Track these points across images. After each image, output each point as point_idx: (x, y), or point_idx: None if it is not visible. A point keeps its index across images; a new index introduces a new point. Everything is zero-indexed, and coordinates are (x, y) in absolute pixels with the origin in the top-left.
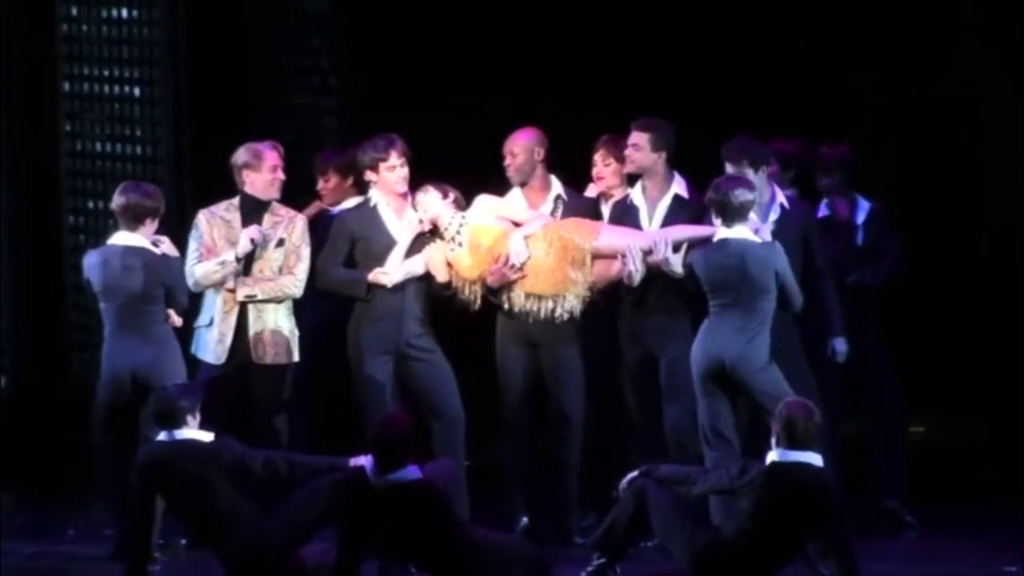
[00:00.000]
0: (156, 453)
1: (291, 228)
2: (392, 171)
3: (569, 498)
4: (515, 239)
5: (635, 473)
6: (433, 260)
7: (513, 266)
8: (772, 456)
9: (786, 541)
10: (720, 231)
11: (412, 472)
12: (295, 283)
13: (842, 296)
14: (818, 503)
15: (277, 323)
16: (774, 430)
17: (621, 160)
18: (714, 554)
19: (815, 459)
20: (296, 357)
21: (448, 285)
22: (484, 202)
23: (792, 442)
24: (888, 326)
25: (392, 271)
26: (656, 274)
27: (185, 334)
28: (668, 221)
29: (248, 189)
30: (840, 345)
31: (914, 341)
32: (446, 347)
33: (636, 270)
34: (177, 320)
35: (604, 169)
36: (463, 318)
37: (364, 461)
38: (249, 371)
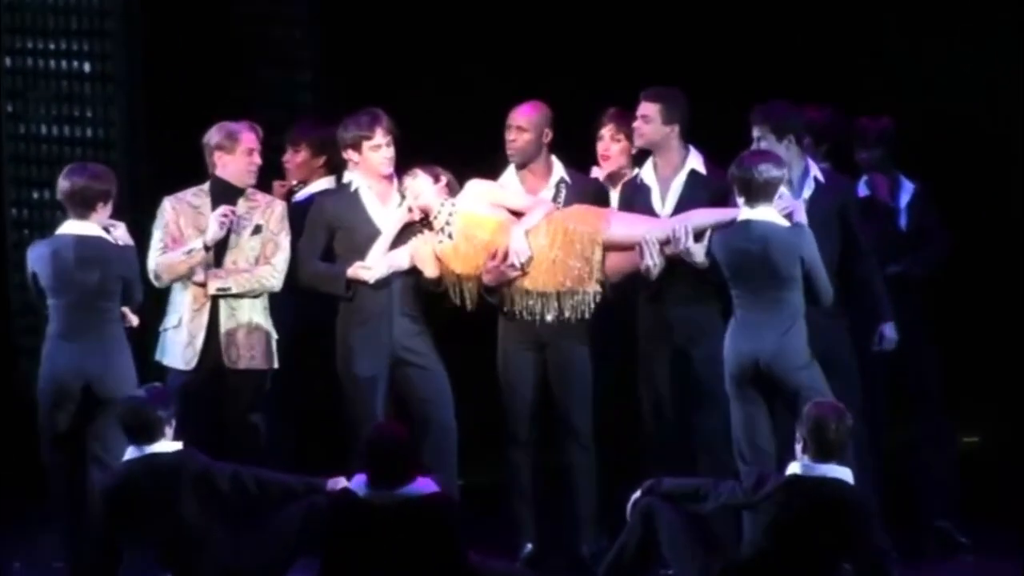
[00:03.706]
0: (124, 475)
1: (269, 214)
2: (377, 151)
3: (580, 520)
4: (516, 238)
5: (639, 492)
6: (419, 253)
7: (512, 265)
8: (794, 468)
9: (808, 564)
10: (743, 211)
11: (427, 485)
12: (273, 274)
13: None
14: (843, 522)
15: (253, 321)
16: (799, 434)
17: (631, 137)
18: None
19: (842, 472)
20: (275, 363)
21: (439, 281)
22: (476, 188)
23: (820, 448)
24: (937, 324)
25: (374, 265)
26: (675, 264)
27: (146, 338)
28: (683, 200)
29: (220, 172)
30: (889, 331)
31: (967, 341)
32: (439, 349)
33: (654, 264)
34: (134, 320)
35: (613, 146)
36: (457, 317)
37: (346, 482)
38: (222, 377)
